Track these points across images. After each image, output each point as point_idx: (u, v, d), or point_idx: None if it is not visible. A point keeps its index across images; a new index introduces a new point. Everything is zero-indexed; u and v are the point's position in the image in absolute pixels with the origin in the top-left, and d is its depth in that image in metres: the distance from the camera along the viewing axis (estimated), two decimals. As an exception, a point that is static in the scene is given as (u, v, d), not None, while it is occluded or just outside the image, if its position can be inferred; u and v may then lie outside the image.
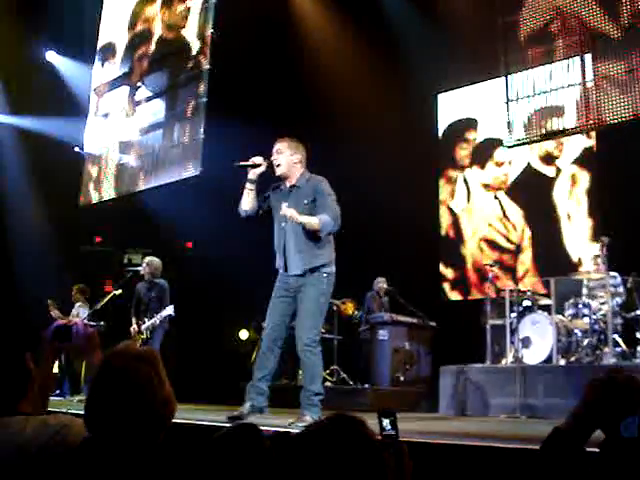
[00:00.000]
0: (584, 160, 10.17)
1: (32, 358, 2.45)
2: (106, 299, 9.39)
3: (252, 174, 5.26)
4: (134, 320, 8.64)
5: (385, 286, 10.39)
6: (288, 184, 5.29)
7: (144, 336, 8.43)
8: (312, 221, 5.02)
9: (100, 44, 11.55)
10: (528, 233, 10.57)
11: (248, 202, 5.29)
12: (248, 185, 5.27)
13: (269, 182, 5.45)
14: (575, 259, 9.97)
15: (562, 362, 7.56)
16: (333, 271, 5.20)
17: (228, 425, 2.08)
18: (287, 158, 5.25)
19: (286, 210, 5.04)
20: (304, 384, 5.16)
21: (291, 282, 5.19)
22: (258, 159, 5.27)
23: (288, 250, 5.18)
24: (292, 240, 5.16)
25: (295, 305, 5.17)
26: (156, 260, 8.85)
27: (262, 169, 5.26)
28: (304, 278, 5.13)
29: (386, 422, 2.00)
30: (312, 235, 5.10)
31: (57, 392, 9.39)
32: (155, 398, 2.09)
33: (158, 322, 8.35)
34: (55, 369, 9.44)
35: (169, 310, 8.33)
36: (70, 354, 9.52)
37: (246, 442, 1.92)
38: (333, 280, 5.21)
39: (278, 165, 5.25)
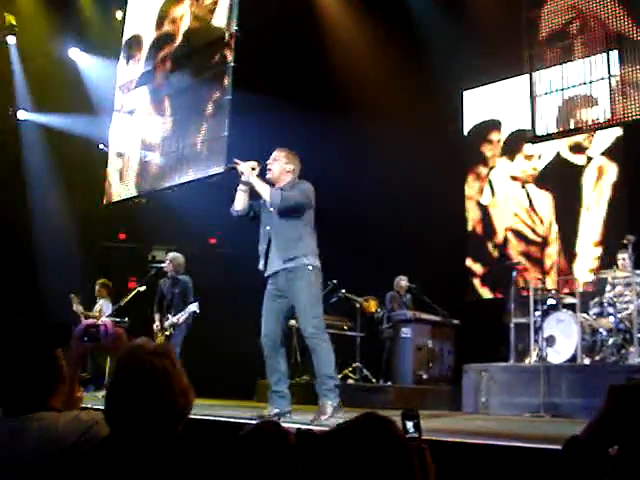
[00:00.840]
0: (613, 151, 10.06)
1: (62, 354, 2.48)
2: (130, 295, 9.43)
3: (245, 176, 5.42)
4: (157, 316, 8.69)
5: (406, 284, 10.37)
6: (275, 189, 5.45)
7: (167, 332, 8.47)
8: (263, 187, 5.32)
9: (125, 40, 11.60)
10: (555, 226, 10.48)
11: (240, 203, 5.51)
12: (241, 187, 5.49)
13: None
14: (587, 255, 9.90)
15: (587, 361, 7.50)
16: (317, 264, 5.34)
17: (250, 422, 2.09)
18: (280, 166, 5.47)
19: (242, 166, 5.38)
20: (317, 371, 5.23)
21: (279, 281, 5.33)
22: (252, 163, 5.44)
23: (272, 252, 5.36)
24: (274, 240, 5.35)
25: (287, 303, 5.31)
26: (179, 256, 8.89)
27: (255, 172, 5.42)
28: (288, 274, 5.27)
29: (410, 425, 1.99)
30: (291, 232, 5.31)
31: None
32: (173, 389, 2.10)
33: (182, 319, 8.39)
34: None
35: (193, 307, 8.36)
36: (95, 351, 9.60)
37: (271, 440, 1.93)
38: (319, 273, 5.36)
39: (269, 169, 5.48)
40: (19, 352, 2.38)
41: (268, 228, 5.41)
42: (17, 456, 2.25)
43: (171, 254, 9.00)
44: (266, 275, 5.42)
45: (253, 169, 5.42)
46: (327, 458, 1.58)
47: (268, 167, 5.48)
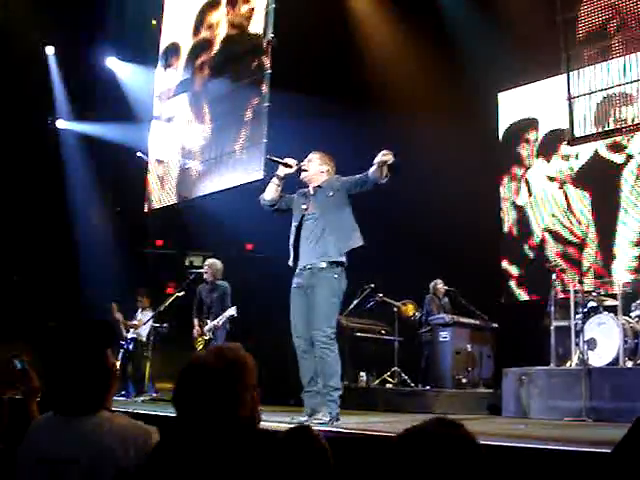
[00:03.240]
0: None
1: (112, 354, 2.51)
2: (169, 301, 9.52)
3: (281, 171, 5.61)
4: (196, 321, 8.76)
5: (444, 287, 10.32)
6: (312, 187, 5.60)
7: (207, 337, 8.54)
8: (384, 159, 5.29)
9: (162, 48, 11.72)
10: (593, 227, 10.35)
11: (270, 193, 5.64)
12: (275, 180, 5.64)
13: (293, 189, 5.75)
14: (627, 256, 9.76)
15: (629, 364, 7.39)
16: (344, 264, 5.36)
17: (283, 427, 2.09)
18: (315, 167, 5.61)
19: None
20: (323, 380, 5.24)
21: (304, 280, 5.38)
22: (291, 160, 5.62)
23: (302, 245, 5.43)
24: (313, 235, 5.39)
25: (309, 301, 5.34)
26: (217, 262, 8.96)
27: (291, 171, 5.61)
28: (315, 277, 5.31)
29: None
30: (344, 220, 5.41)
31: (122, 393, 9.53)
32: (243, 405, 2.11)
33: (220, 323, 8.45)
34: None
35: (232, 311, 8.42)
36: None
37: (304, 445, 1.93)
38: (344, 279, 5.39)
39: (305, 170, 5.62)
40: (73, 354, 2.42)
41: (296, 224, 5.50)
42: (70, 456, 2.29)
43: (209, 260, 9.07)
44: (294, 269, 5.48)
45: (290, 166, 5.58)
46: (400, 462, 1.58)
47: (303, 168, 5.60)
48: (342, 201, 5.46)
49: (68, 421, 2.38)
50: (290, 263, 5.52)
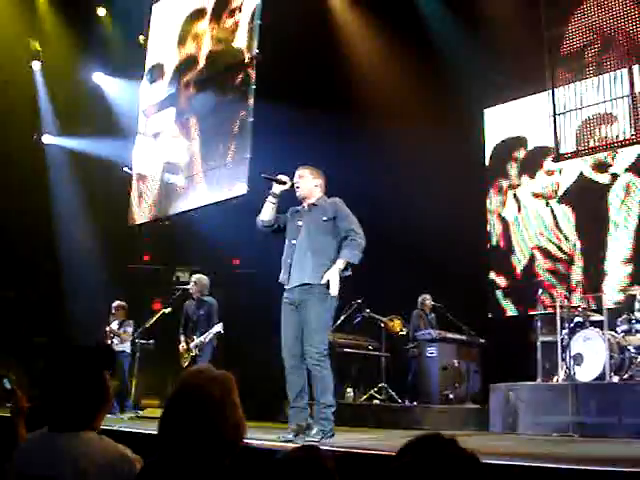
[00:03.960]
0: (638, 167, 9.95)
1: (109, 376, 2.55)
2: (155, 317, 9.48)
3: (276, 189, 5.56)
4: (182, 338, 8.72)
5: (431, 303, 10.34)
6: (306, 205, 5.58)
7: (193, 353, 8.50)
8: (339, 269, 5.23)
9: (148, 64, 11.72)
10: (579, 244, 10.39)
11: (267, 213, 5.59)
12: (270, 198, 5.58)
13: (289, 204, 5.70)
14: (614, 272, 9.80)
15: (615, 379, 7.40)
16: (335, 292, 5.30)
17: (284, 446, 2.08)
18: (308, 182, 5.57)
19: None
20: (316, 397, 5.25)
21: (295, 295, 5.34)
22: (284, 177, 5.57)
23: (296, 263, 5.38)
24: (303, 252, 5.36)
25: (301, 317, 5.31)
26: (204, 277, 8.93)
27: (286, 187, 5.55)
28: (307, 293, 5.28)
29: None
30: (327, 248, 5.35)
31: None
32: (227, 420, 2.11)
33: (207, 340, 8.42)
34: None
35: (218, 327, 8.40)
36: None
37: (308, 465, 1.91)
38: (336, 300, 5.35)
39: (298, 187, 5.56)
40: (72, 375, 2.46)
41: (293, 242, 5.45)
42: (57, 472, 2.29)
43: (196, 276, 9.04)
44: (285, 287, 5.45)
45: (284, 183, 5.54)
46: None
47: (296, 185, 5.55)
48: (333, 230, 5.42)
49: (53, 439, 2.40)
50: (280, 278, 5.49)
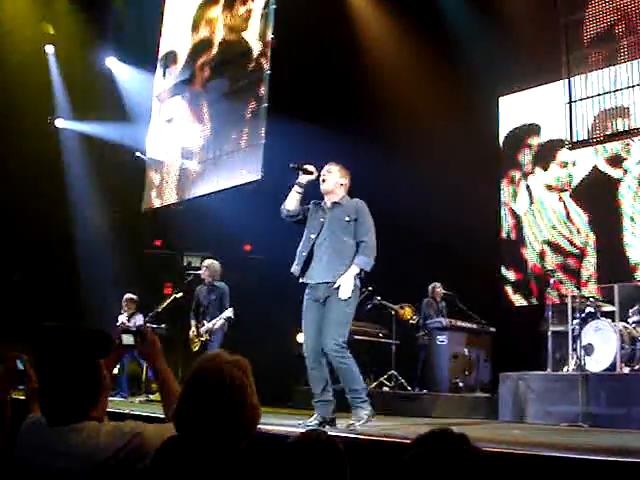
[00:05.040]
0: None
1: (105, 366, 2.49)
2: (167, 302, 9.50)
3: (303, 179, 5.55)
4: (193, 323, 8.74)
5: (442, 291, 10.32)
6: (329, 202, 5.60)
7: (203, 338, 8.52)
8: (351, 279, 5.30)
9: (162, 50, 11.72)
10: (592, 237, 10.32)
11: (292, 203, 5.60)
12: (296, 188, 5.58)
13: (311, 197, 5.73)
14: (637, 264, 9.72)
15: (626, 370, 7.38)
16: (357, 284, 5.39)
17: (294, 431, 2.09)
18: (335, 179, 5.59)
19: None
20: (346, 387, 5.33)
21: (319, 291, 5.40)
22: (311, 167, 5.57)
23: (317, 259, 5.45)
24: (324, 250, 5.44)
25: (324, 311, 5.37)
26: (215, 263, 8.93)
27: (312, 177, 5.56)
28: (330, 289, 5.33)
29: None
30: (340, 248, 5.42)
31: (116, 392, 9.50)
32: (246, 403, 2.14)
33: (217, 325, 8.44)
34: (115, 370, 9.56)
35: (228, 312, 8.42)
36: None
37: (319, 449, 1.92)
38: (357, 293, 5.44)
39: (324, 181, 5.59)
40: (63, 363, 2.41)
41: (312, 237, 5.49)
42: (58, 466, 2.29)
43: (207, 261, 9.05)
44: (305, 283, 5.49)
45: (311, 173, 5.55)
46: (406, 474, 1.57)
47: (322, 178, 5.58)
48: (353, 231, 5.47)
49: (48, 430, 2.38)
50: (293, 269, 5.53)
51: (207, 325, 8.54)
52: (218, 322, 8.45)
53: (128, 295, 10.33)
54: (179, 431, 2.14)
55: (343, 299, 5.26)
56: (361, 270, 5.35)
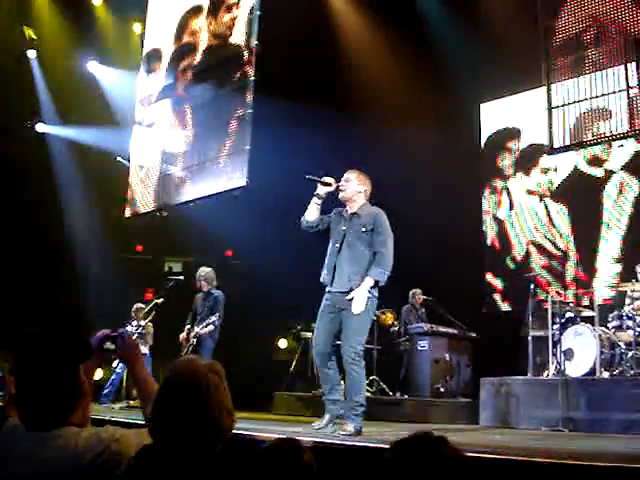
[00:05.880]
0: (632, 166, 9.95)
1: (85, 371, 2.47)
2: (148, 307, 9.46)
3: (321, 190, 5.63)
4: (186, 328, 8.77)
5: (421, 297, 10.35)
6: (349, 211, 5.69)
7: (190, 342, 8.55)
8: (365, 292, 5.36)
9: (145, 54, 11.68)
10: (572, 240, 10.38)
11: (312, 214, 5.69)
12: (315, 199, 5.66)
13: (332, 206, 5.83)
14: (608, 271, 9.81)
15: (605, 375, 7.43)
16: (375, 294, 5.48)
17: (269, 437, 2.09)
18: (353, 187, 5.67)
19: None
20: (348, 395, 5.44)
21: (337, 299, 5.50)
22: (329, 179, 5.64)
23: (338, 268, 5.54)
24: (343, 260, 5.53)
25: (339, 321, 5.47)
26: (210, 270, 8.95)
27: (331, 189, 5.63)
28: (345, 299, 5.43)
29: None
30: (360, 256, 5.49)
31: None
32: (220, 407, 2.14)
33: (204, 331, 8.46)
34: (98, 376, 9.49)
35: (213, 318, 8.44)
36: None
37: (287, 456, 1.92)
38: (375, 302, 5.53)
39: (343, 190, 5.66)
40: (42, 368, 2.37)
41: (337, 245, 5.59)
42: (37, 472, 2.26)
43: (204, 271, 8.97)
44: (327, 290, 5.60)
45: (329, 184, 5.61)
46: (386, 476, 1.57)
47: (341, 187, 5.65)
48: (370, 241, 5.54)
49: (26, 436, 2.34)
50: (322, 278, 5.63)
51: (195, 329, 8.57)
52: (204, 328, 8.47)
53: (138, 305, 10.25)
54: (154, 436, 2.13)
55: (355, 312, 5.34)
56: (377, 282, 5.42)
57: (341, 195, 5.67)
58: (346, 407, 5.37)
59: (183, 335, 8.73)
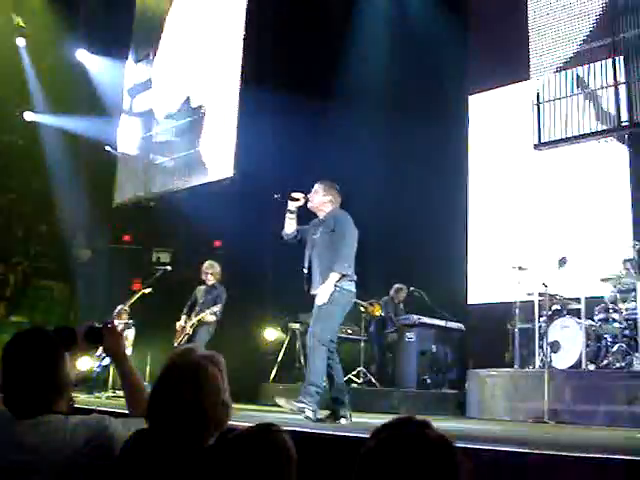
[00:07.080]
0: (618, 158, 9.95)
1: (70, 359, 2.48)
2: (135, 297, 9.44)
3: (291, 205, 6.07)
4: (183, 317, 8.77)
5: (404, 294, 10.41)
6: (319, 219, 6.10)
7: (187, 331, 8.57)
8: (329, 286, 5.69)
9: (134, 44, 11.63)
10: (560, 233, 10.38)
11: (289, 228, 6.15)
12: (288, 214, 6.12)
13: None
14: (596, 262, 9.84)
15: (591, 367, 7.47)
16: (345, 287, 5.77)
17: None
18: (319, 197, 6.08)
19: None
20: (306, 374, 5.78)
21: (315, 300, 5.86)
22: (297, 194, 6.05)
23: (313, 272, 5.94)
24: (314, 264, 5.94)
25: None
26: (216, 264, 8.95)
27: (300, 203, 6.06)
28: (316, 291, 5.83)
29: None
30: (327, 259, 5.82)
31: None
32: (219, 398, 2.15)
33: (208, 317, 8.48)
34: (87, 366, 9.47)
35: (216, 308, 8.49)
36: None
37: (263, 441, 1.90)
38: (347, 295, 5.84)
39: (310, 201, 6.09)
40: (27, 357, 2.39)
41: (309, 252, 5.99)
42: (24, 459, 2.26)
43: (211, 265, 8.95)
44: (311, 294, 5.92)
45: (297, 199, 6.02)
46: (372, 465, 1.57)
47: (310, 199, 6.05)
48: (333, 242, 5.86)
49: (13, 424, 2.35)
50: (306, 288, 5.97)
51: (192, 319, 8.58)
52: (210, 315, 8.49)
53: (120, 307, 10.18)
54: (151, 423, 2.13)
55: (319, 304, 5.68)
56: (342, 275, 5.68)
57: (309, 205, 6.08)
58: (302, 387, 5.68)
59: (180, 323, 8.74)
